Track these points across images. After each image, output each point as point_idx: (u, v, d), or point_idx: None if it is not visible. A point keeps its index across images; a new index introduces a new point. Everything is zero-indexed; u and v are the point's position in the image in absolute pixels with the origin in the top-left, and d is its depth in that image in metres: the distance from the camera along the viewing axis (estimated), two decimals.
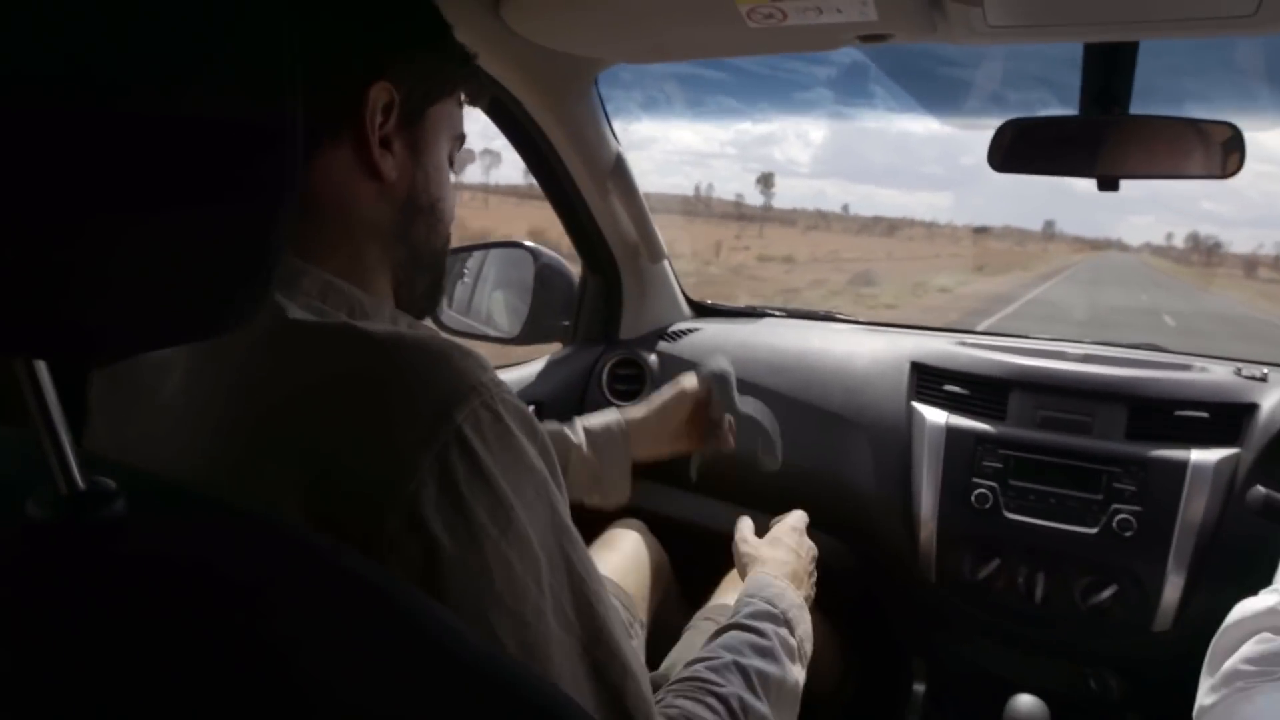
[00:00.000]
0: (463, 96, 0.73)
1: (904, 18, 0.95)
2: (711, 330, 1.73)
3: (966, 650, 1.47)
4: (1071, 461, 1.30)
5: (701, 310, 1.89)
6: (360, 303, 0.61)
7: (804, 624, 0.92)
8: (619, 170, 1.54)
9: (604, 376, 1.71)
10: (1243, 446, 1.25)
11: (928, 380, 1.46)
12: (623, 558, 1.35)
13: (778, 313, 1.86)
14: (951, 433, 1.37)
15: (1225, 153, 1.09)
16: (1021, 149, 1.10)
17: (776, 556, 1.03)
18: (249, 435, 0.53)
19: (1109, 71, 1.02)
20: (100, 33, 0.32)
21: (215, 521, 0.45)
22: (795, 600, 0.93)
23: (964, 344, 1.52)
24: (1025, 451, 1.33)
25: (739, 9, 0.98)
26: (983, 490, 1.32)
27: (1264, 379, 1.34)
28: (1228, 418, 1.29)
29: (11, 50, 0.30)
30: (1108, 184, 1.10)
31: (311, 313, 0.56)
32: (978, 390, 1.41)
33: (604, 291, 1.74)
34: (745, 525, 1.13)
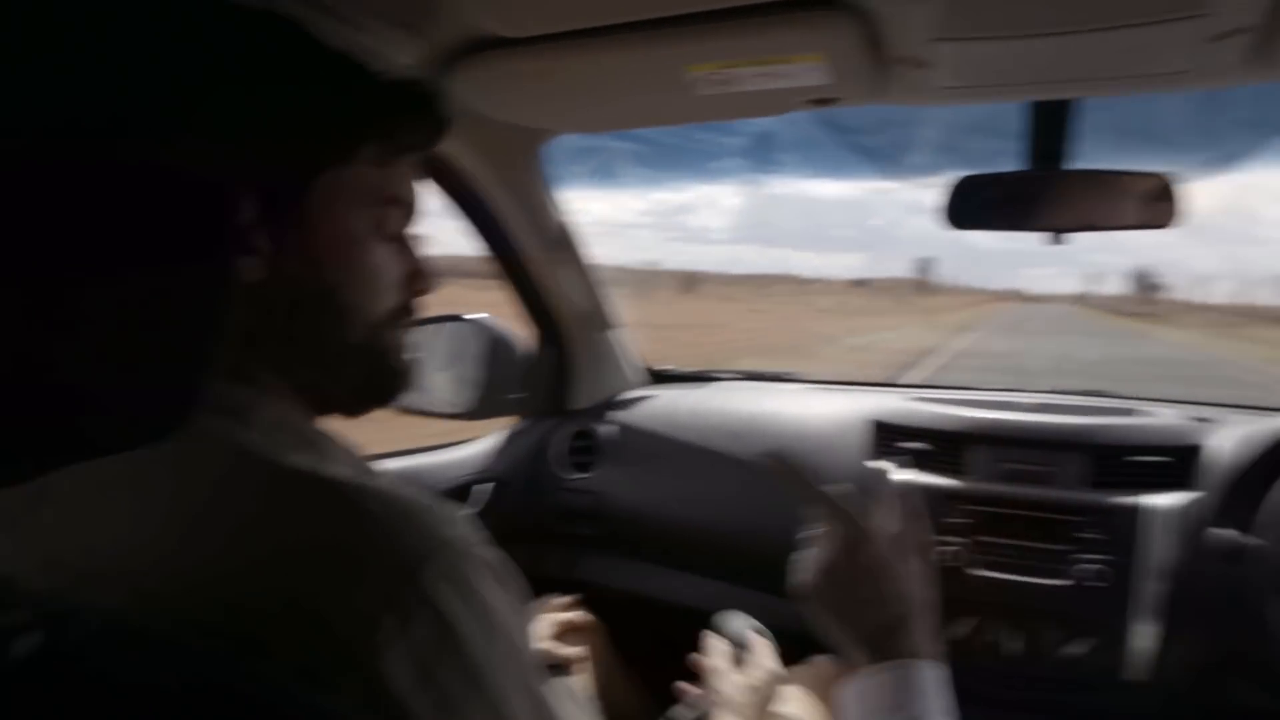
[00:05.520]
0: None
1: (855, 81, 0.96)
2: (666, 397, 1.71)
3: None
4: (1037, 514, 1.30)
5: (656, 377, 1.87)
6: (317, 437, 0.57)
7: None
8: (567, 239, 1.53)
9: (559, 449, 1.66)
10: (1199, 489, 1.26)
11: (888, 438, 1.45)
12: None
13: (731, 375, 1.85)
14: (915, 491, 1.36)
15: (1160, 203, 1.12)
16: (974, 205, 1.12)
17: None
18: (192, 586, 0.47)
19: (1053, 128, 1.05)
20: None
21: (135, 645, 0.40)
22: None
23: (923, 399, 1.52)
24: (990, 506, 1.32)
25: (688, 76, 0.98)
26: (950, 549, 1.30)
27: (1211, 420, 1.36)
28: (1182, 461, 1.30)
29: None
30: (1057, 238, 1.13)
31: (270, 449, 0.52)
32: (939, 446, 1.41)
33: (556, 362, 1.71)
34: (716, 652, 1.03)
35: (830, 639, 0.76)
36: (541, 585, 1.50)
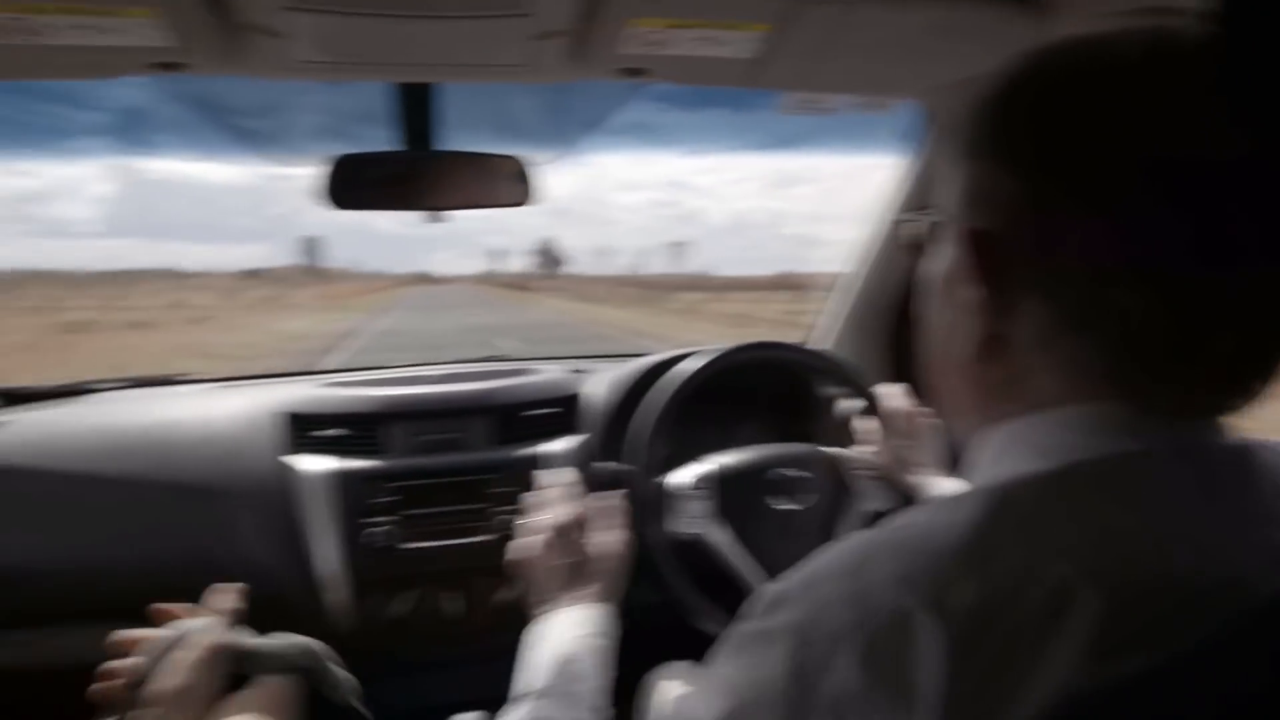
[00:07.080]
0: None
1: (201, 46, 0.87)
2: (29, 421, 1.39)
3: (402, 694, 1.44)
4: (455, 479, 1.37)
5: (10, 398, 1.51)
6: None
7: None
8: None
9: None
10: (583, 431, 1.47)
11: (302, 429, 1.40)
12: None
13: (109, 384, 1.59)
14: (337, 478, 1.33)
15: (519, 183, 1.24)
16: (354, 186, 1.10)
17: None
18: None
19: (419, 110, 1.08)
20: None
21: None
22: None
23: (333, 384, 1.49)
24: (413, 479, 1.35)
25: None
26: (381, 528, 1.31)
27: (584, 371, 1.59)
28: (566, 409, 1.49)
29: None
30: (436, 216, 1.18)
31: None
32: (355, 429, 1.40)
33: None
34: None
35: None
36: None
